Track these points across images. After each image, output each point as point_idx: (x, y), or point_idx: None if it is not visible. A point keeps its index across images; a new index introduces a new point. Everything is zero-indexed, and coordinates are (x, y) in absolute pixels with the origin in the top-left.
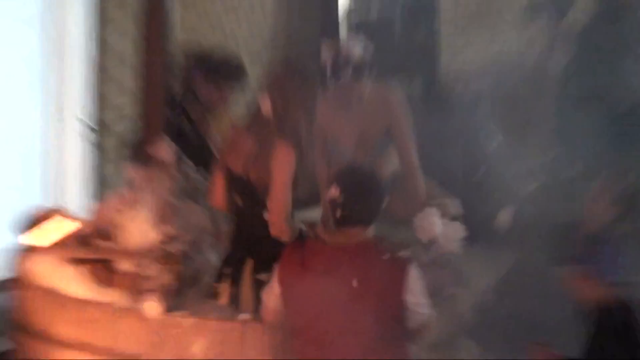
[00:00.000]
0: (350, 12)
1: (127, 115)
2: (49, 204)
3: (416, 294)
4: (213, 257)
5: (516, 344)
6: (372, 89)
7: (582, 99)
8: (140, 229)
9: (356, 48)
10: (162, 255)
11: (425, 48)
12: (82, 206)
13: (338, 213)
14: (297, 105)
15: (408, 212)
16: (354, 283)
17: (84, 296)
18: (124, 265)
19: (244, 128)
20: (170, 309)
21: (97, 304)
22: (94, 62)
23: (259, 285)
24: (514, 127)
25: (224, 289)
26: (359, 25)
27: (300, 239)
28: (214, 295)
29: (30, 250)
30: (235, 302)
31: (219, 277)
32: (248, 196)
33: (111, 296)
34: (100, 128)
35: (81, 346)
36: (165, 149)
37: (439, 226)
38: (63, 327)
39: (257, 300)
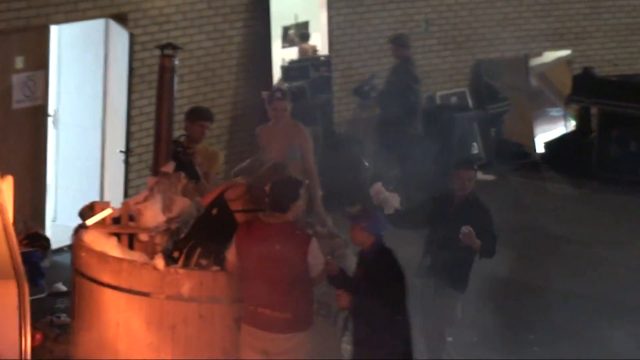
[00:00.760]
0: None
1: (147, 146)
2: (99, 199)
3: (315, 256)
4: None
5: None
6: (292, 122)
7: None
8: (153, 214)
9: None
10: (166, 230)
11: (324, 106)
12: (119, 201)
13: (268, 201)
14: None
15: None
16: (277, 247)
17: (118, 255)
18: (143, 237)
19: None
20: (169, 263)
21: (126, 260)
22: (129, 116)
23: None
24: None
25: (182, 258)
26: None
27: (251, 220)
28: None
29: (86, 227)
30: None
31: (178, 247)
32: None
33: (135, 256)
34: (131, 155)
35: (117, 286)
36: (169, 167)
37: (385, 194)
38: (106, 275)
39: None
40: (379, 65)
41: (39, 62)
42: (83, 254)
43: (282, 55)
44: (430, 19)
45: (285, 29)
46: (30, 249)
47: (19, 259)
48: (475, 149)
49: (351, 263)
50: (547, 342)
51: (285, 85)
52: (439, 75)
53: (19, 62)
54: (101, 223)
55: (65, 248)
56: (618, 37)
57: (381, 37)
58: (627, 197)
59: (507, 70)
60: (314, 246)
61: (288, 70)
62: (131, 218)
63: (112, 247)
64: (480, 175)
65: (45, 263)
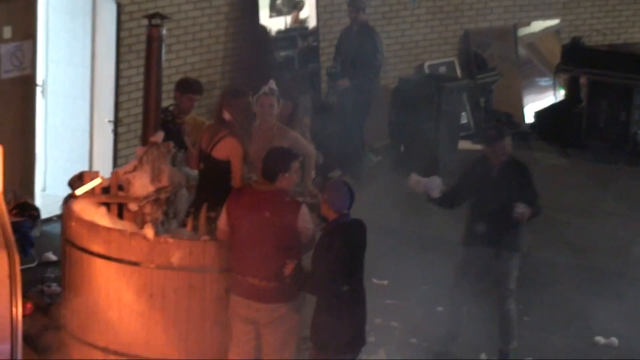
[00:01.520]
0: None
1: (136, 116)
2: (88, 169)
3: (305, 222)
4: (185, 202)
5: None
6: (278, 126)
7: None
8: (142, 183)
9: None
10: (155, 200)
11: (312, 75)
12: (108, 170)
13: (260, 169)
14: (245, 114)
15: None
16: (266, 213)
17: (108, 225)
18: (132, 206)
19: (212, 126)
20: (159, 233)
21: (116, 230)
22: (117, 86)
23: (211, 219)
24: None
25: (190, 221)
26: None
27: (242, 187)
28: (185, 225)
29: (76, 197)
30: (196, 229)
31: (188, 214)
32: (208, 165)
33: (125, 225)
34: (120, 124)
35: (107, 256)
36: (158, 137)
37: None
38: (95, 244)
39: (211, 228)
40: None
41: (27, 31)
42: (73, 224)
43: (269, 24)
44: None
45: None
46: (20, 219)
47: (9, 229)
48: (464, 118)
49: None
50: (535, 311)
51: (273, 84)
52: (428, 45)
53: (7, 31)
54: (90, 193)
55: (54, 218)
56: (606, 6)
57: (369, 6)
58: (615, 166)
59: (495, 40)
60: (304, 213)
61: (276, 40)
62: (120, 188)
63: (101, 217)
64: (468, 145)
65: (35, 232)
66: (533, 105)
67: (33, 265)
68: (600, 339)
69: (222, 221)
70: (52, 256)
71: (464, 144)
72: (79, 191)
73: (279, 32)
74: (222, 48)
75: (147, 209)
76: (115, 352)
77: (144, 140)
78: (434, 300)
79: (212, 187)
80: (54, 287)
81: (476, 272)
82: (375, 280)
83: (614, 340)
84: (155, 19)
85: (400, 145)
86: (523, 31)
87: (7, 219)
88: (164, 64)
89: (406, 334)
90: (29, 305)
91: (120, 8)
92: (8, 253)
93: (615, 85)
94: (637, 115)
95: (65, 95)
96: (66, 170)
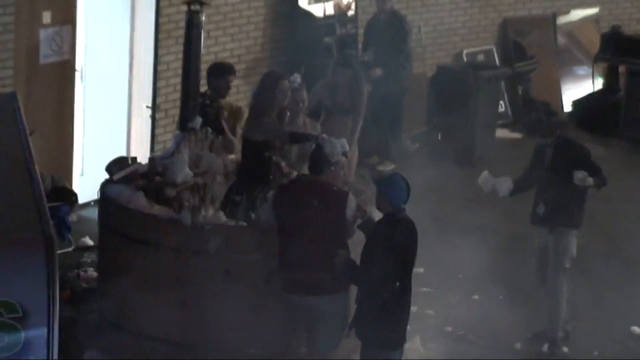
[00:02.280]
0: None
1: (174, 102)
2: (126, 155)
3: (351, 209)
4: (223, 188)
5: None
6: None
7: None
8: (180, 169)
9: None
10: (193, 186)
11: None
12: (145, 156)
13: (308, 162)
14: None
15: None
16: (315, 203)
17: (145, 210)
18: (170, 192)
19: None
20: (196, 219)
21: (152, 215)
22: (155, 72)
23: (236, 203)
24: None
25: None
26: None
27: (289, 181)
28: (222, 210)
29: (113, 182)
30: (233, 215)
31: (226, 199)
32: (249, 150)
33: (161, 210)
34: (158, 110)
35: (144, 241)
36: (196, 123)
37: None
38: (132, 229)
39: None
40: None
41: (66, 16)
42: (110, 209)
43: (309, 11)
44: None
45: None
46: (57, 204)
47: (46, 214)
48: (502, 107)
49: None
50: (569, 300)
51: (299, 77)
52: (466, 32)
53: (46, 16)
54: (128, 178)
55: (92, 203)
56: None
57: None
58: None
59: (534, 28)
60: (352, 200)
61: (315, 27)
62: (158, 173)
63: (139, 202)
64: (506, 134)
65: (72, 217)
66: (571, 94)
67: (70, 250)
68: (636, 329)
69: (267, 214)
70: (88, 241)
71: (501, 133)
72: (116, 176)
73: (318, 18)
74: (261, 35)
75: (185, 194)
76: (151, 338)
77: (182, 126)
78: (470, 289)
79: (251, 173)
80: (91, 272)
81: (543, 249)
82: None
83: None
84: (195, 4)
85: (437, 134)
86: (562, 20)
87: (44, 204)
88: (203, 50)
89: (441, 322)
90: (66, 292)
91: None
92: (45, 238)
93: None
94: None
95: (104, 80)
96: (104, 155)
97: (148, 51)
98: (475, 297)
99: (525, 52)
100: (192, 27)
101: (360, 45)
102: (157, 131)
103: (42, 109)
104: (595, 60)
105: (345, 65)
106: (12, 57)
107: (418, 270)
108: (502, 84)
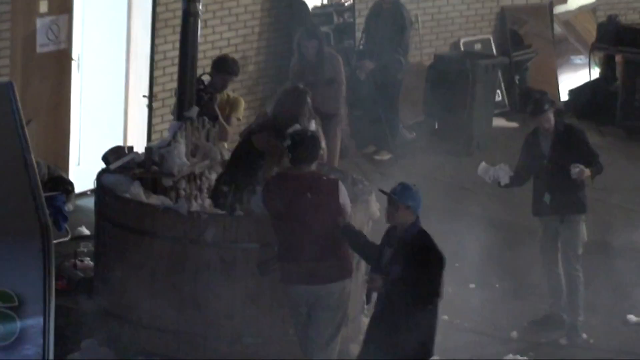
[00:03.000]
0: None
1: (171, 91)
2: (123, 144)
3: (344, 197)
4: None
5: None
6: None
7: None
8: (176, 159)
9: None
10: (189, 175)
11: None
12: (142, 145)
13: (293, 155)
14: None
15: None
16: (309, 194)
17: (141, 199)
18: (166, 182)
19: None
20: (192, 208)
21: (149, 204)
22: (152, 61)
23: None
24: None
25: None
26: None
27: (276, 175)
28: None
29: (110, 171)
30: (219, 204)
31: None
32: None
33: (158, 200)
34: (155, 99)
35: (140, 230)
36: (193, 112)
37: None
38: (129, 219)
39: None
40: None
41: (63, 5)
42: (106, 198)
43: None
44: None
45: None
46: (54, 193)
47: (43, 203)
48: (499, 96)
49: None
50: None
51: None
52: (464, 21)
53: (43, 5)
54: (125, 167)
55: (88, 192)
56: None
57: None
58: None
59: (531, 17)
60: (343, 188)
61: (312, 16)
62: (155, 163)
63: (135, 192)
64: (503, 123)
65: (69, 207)
66: (568, 84)
67: (66, 239)
68: (632, 317)
69: (259, 207)
70: (85, 230)
71: (498, 122)
72: (113, 166)
73: (315, 7)
74: (258, 24)
75: (181, 184)
76: (148, 327)
77: (179, 115)
78: (466, 277)
79: (242, 166)
80: (87, 261)
81: (550, 239)
82: None
83: None
84: None
85: (434, 123)
86: (559, 9)
87: (41, 193)
88: (200, 40)
89: (438, 311)
90: (62, 280)
91: None
92: (41, 227)
93: None
94: None
95: (101, 70)
96: (100, 144)
97: (145, 40)
98: (472, 285)
99: (522, 41)
100: (189, 16)
101: (359, 34)
102: (154, 120)
103: (39, 98)
104: (592, 49)
105: (311, 37)
106: (9, 46)
107: None
108: (499, 73)
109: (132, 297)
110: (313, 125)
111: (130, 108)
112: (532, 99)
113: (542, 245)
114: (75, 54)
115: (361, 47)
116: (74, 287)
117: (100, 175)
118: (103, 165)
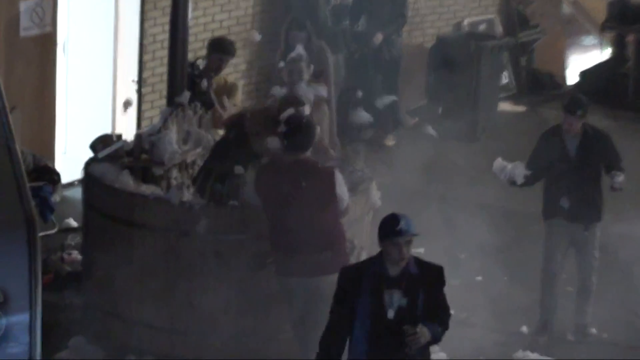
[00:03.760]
0: None
1: (161, 76)
2: (111, 131)
3: (341, 187)
4: None
5: None
6: None
7: None
8: (167, 146)
9: None
10: (181, 163)
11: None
12: (132, 133)
13: (284, 143)
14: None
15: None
16: (303, 184)
17: (131, 189)
18: (157, 170)
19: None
20: (184, 198)
21: (139, 194)
22: (141, 44)
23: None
24: None
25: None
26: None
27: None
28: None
29: (98, 160)
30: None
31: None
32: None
33: (148, 189)
34: (144, 85)
35: (130, 222)
36: (185, 98)
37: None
38: (118, 210)
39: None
40: None
41: None
42: (94, 189)
43: None
44: None
45: None
46: (39, 183)
47: (28, 194)
48: (505, 79)
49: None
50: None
51: (301, 49)
52: (467, 1)
53: None
54: (113, 156)
55: (76, 182)
56: None
57: None
58: None
59: None
60: (339, 177)
61: None
62: (145, 151)
63: (124, 181)
64: (509, 107)
65: (55, 198)
66: (577, 65)
67: (53, 231)
68: None
69: (251, 196)
70: (72, 222)
71: (504, 105)
72: (101, 154)
73: None
74: (250, 5)
75: (172, 173)
76: (138, 323)
77: (170, 101)
78: (473, 270)
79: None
80: (75, 254)
81: (562, 245)
82: None
83: None
84: None
85: (438, 107)
86: None
87: (25, 184)
88: (191, 22)
89: None
90: (49, 275)
91: None
92: (26, 219)
93: None
94: None
95: (87, 54)
96: (88, 132)
97: (133, 23)
98: (479, 278)
99: (528, 21)
100: None
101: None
102: (144, 106)
103: (23, 84)
104: (602, 29)
105: (299, 28)
106: None
107: (418, 250)
108: (505, 54)
109: (122, 291)
110: (307, 109)
111: (119, 93)
112: (571, 96)
113: (550, 253)
114: (60, 37)
115: (359, 28)
116: (62, 281)
117: (88, 164)
118: (91, 154)
